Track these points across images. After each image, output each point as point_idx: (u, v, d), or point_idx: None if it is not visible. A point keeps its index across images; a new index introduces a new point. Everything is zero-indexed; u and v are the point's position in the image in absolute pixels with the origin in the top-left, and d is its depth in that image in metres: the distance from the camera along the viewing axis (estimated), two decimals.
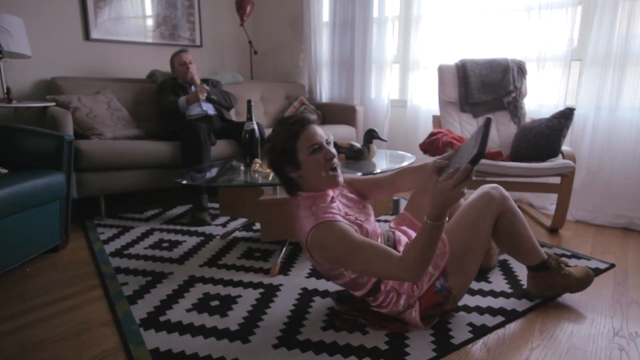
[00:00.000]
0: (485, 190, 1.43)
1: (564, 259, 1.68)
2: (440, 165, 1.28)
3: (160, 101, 2.91)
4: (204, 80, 3.07)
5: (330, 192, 1.39)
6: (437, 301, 1.35)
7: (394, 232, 1.52)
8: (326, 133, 1.39)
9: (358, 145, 2.38)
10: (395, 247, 1.44)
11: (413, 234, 1.55)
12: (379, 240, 1.41)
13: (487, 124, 1.05)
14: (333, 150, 1.35)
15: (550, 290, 1.55)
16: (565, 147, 2.39)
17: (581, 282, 1.53)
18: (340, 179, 1.36)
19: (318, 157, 1.31)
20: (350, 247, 1.23)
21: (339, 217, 1.29)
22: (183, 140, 2.61)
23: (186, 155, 2.58)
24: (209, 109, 2.98)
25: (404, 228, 1.60)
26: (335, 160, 1.34)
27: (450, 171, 1.13)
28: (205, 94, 2.85)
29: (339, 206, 1.37)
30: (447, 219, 1.17)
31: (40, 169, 1.94)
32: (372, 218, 1.47)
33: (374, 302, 1.40)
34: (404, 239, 1.51)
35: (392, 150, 2.75)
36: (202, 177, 2.05)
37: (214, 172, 2.16)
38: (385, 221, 2.51)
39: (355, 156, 2.36)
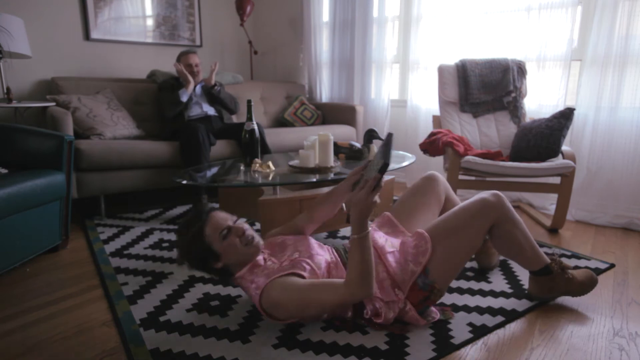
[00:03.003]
0: (482, 196, 1.43)
1: (565, 261, 1.67)
2: (354, 180, 1.38)
3: (161, 103, 2.90)
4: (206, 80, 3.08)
5: (260, 256, 1.43)
6: (423, 296, 1.37)
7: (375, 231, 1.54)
8: (229, 215, 1.42)
9: (358, 145, 2.38)
10: None
11: (381, 236, 1.52)
12: (327, 257, 1.44)
13: (389, 138, 1.21)
14: (241, 224, 1.39)
15: (551, 293, 1.54)
16: (565, 147, 2.39)
17: (584, 286, 1.52)
18: (260, 243, 1.41)
19: (232, 240, 1.35)
20: (297, 295, 1.27)
21: (275, 274, 1.32)
22: (182, 140, 2.61)
23: (185, 156, 2.58)
24: (209, 110, 2.97)
25: (381, 233, 1.57)
26: (248, 232, 1.38)
27: (360, 184, 1.24)
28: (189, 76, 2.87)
29: (273, 262, 1.41)
30: (370, 229, 1.24)
31: (40, 169, 1.94)
32: (311, 242, 1.48)
33: (366, 315, 1.40)
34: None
35: (392, 150, 2.75)
36: (202, 177, 2.05)
37: (213, 172, 2.16)
38: None
39: (355, 156, 2.36)
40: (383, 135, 3.46)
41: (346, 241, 1.58)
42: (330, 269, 1.41)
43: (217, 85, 2.98)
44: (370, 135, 2.38)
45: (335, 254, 1.48)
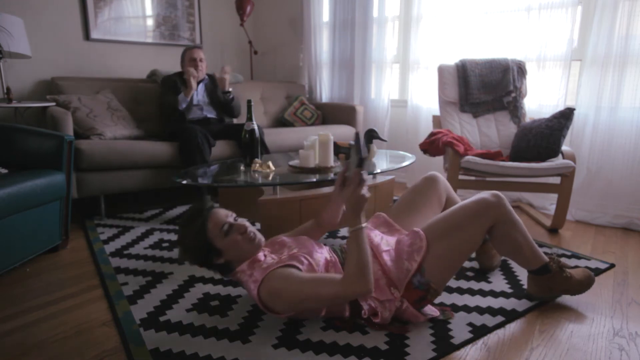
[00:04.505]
0: (482, 196, 1.43)
1: (564, 261, 1.67)
2: (340, 182, 1.45)
3: (161, 100, 2.89)
4: (210, 76, 3.06)
5: (260, 253, 1.44)
6: (419, 296, 1.37)
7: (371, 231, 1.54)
8: (229, 212, 1.44)
9: None
10: None
11: (377, 234, 1.52)
12: (326, 255, 1.44)
13: (356, 137, 1.31)
14: (242, 221, 1.41)
15: (550, 292, 1.54)
16: (565, 147, 2.39)
17: (582, 285, 1.52)
18: (262, 240, 1.43)
19: (234, 237, 1.36)
20: (296, 286, 1.28)
21: (274, 266, 1.34)
22: (181, 143, 2.60)
23: (184, 157, 2.57)
24: (209, 113, 2.96)
25: (376, 232, 1.56)
26: (250, 229, 1.40)
27: (336, 182, 1.39)
28: (198, 72, 2.81)
29: (272, 258, 1.42)
30: (365, 223, 1.29)
31: (40, 169, 1.94)
32: (310, 243, 1.49)
33: (364, 315, 1.39)
34: None
35: (392, 150, 2.75)
36: (202, 177, 2.05)
37: (213, 172, 2.16)
38: None
39: None
40: (384, 136, 3.46)
41: (344, 241, 1.59)
42: (328, 267, 1.42)
43: (231, 93, 2.92)
44: (370, 135, 2.37)
45: (334, 254, 1.48)
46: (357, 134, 1.32)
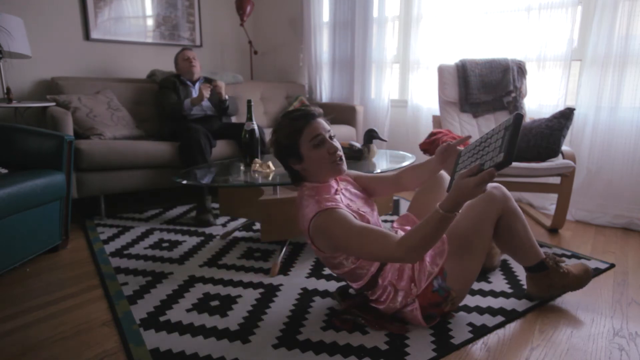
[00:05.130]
0: (487, 191, 1.42)
1: (561, 257, 1.67)
2: (450, 149, 1.37)
3: (162, 101, 2.89)
4: (207, 80, 3.08)
5: (334, 185, 1.42)
6: (435, 301, 1.35)
7: (396, 232, 1.53)
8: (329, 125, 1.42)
9: (358, 145, 2.38)
10: None
11: None
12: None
13: (518, 123, 0.96)
14: (336, 143, 1.38)
15: (549, 290, 1.54)
16: (565, 147, 2.39)
17: (580, 280, 1.52)
18: (344, 167, 1.39)
19: (321, 151, 1.34)
20: (349, 230, 1.25)
21: (341, 206, 1.32)
22: (182, 143, 2.60)
23: (185, 157, 2.56)
24: (209, 109, 2.97)
25: (408, 228, 1.61)
26: (339, 152, 1.37)
27: (472, 167, 1.12)
28: (210, 92, 2.85)
29: (342, 198, 1.39)
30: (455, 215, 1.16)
31: (40, 169, 1.94)
32: (376, 213, 1.50)
33: (372, 295, 1.41)
34: None
35: (393, 150, 2.75)
36: (202, 177, 2.05)
37: (213, 172, 2.16)
38: (386, 221, 2.51)
39: (355, 156, 2.36)
40: (384, 136, 3.46)
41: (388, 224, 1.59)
42: None
43: (227, 100, 2.96)
44: (371, 135, 2.38)
45: None
46: (519, 119, 0.94)
